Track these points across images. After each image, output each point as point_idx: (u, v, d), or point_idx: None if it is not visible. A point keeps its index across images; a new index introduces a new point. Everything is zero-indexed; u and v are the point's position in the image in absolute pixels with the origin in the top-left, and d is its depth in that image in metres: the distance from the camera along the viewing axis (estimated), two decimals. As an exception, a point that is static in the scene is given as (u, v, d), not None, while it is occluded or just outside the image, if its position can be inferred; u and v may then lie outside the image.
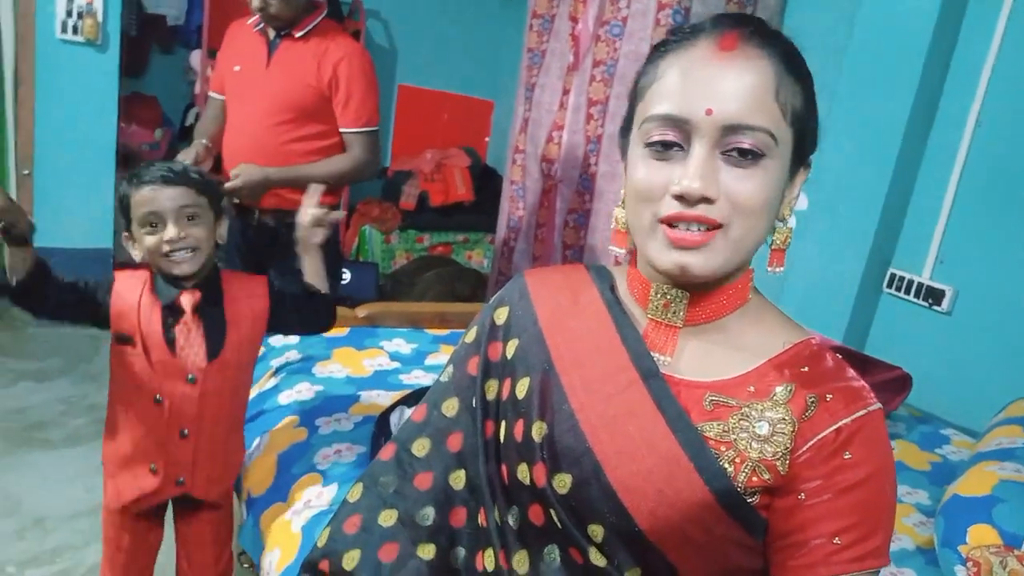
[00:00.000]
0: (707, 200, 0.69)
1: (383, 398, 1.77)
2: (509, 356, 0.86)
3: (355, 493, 0.90)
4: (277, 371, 1.88)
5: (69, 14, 3.12)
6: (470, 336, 0.93)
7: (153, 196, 1.29)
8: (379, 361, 1.99)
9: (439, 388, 0.93)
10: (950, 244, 2.33)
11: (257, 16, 2.11)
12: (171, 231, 1.29)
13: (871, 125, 2.39)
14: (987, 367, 2.18)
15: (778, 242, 0.77)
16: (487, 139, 4.82)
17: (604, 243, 2.93)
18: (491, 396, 0.87)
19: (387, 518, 0.87)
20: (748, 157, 0.69)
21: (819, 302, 2.54)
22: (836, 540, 0.68)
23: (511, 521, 0.83)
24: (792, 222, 0.78)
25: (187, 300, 1.33)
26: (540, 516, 0.80)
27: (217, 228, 1.40)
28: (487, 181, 4.42)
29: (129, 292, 1.35)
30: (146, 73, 4.13)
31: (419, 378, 1.92)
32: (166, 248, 1.29)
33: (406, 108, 4.55)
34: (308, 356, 1.94)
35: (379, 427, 1.57)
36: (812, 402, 0.71)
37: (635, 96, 0.77)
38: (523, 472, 0.80)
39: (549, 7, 3.10)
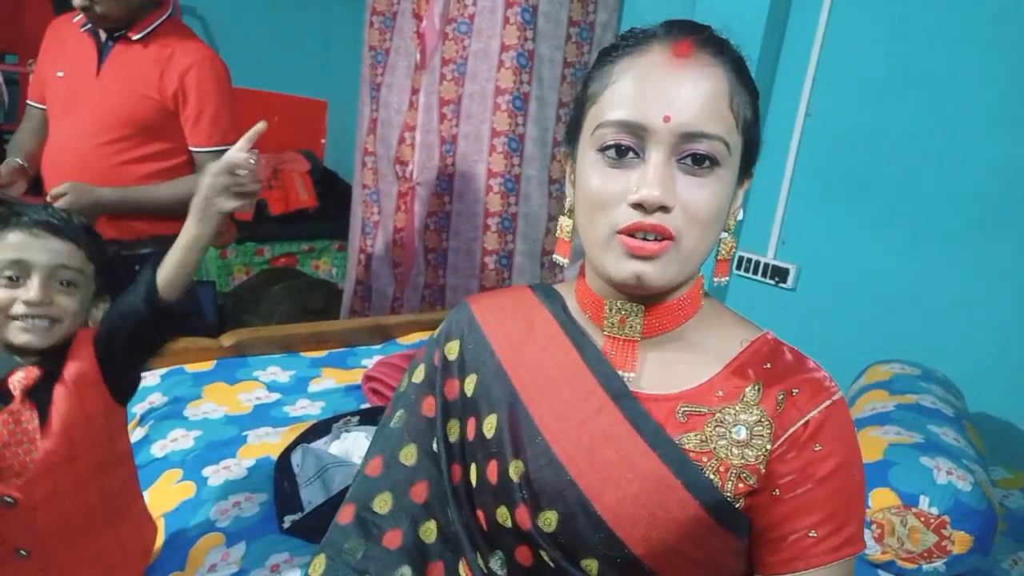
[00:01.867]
0: (664, 209, 0.68)
1: (273, 436, 1.62)
2: (469, 393, 0.81)
3: (318, 566, 0.81)
4: (143, 419, 1.67)
5: None
6: (418, 376, 0.87)
7: (24, 243, 1.03)
8: (257, 394, 1.83)
9: (392, 435, 0.86)
10: (790, 225, 2.53)
11: (83, 16, 1.81)
12: (34, 291, 1.03)
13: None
14: (834, 337, 2.39)
15: (723, 252, 0.78)
16: (323, 140, 4.61)
17: (468, 245, 2.89)
18: (454, 438, 0.82)
19: None
20: (704, 164, 0.69)
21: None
22: (812, 533, 0.70)
23: (496, 567, 0.78)
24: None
25: (18, 380, 1.04)
26: (528, 557, 0.76)
27: (92, 309, 1.13)
28: (329, 185, 4.22)
29: None
30: (-90, 80, 3.53)
31: (305, 408, 1.78)
32: (20, 310, 1.02)
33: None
34: (175, 397, 1.74)
35: (280, 471, 1.43)
36: (781, 399, 0.72)
37: (584, 101, 0.75)
38: (503, 515, 0.76)
39: (389, 4, 3.00)
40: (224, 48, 4.13)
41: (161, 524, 1.37)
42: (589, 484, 0.72)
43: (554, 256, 0.81)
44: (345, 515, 0.83)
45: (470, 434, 0.80)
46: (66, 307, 1.06)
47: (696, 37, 0.71)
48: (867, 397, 1.76)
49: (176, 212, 1.96)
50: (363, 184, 3.19)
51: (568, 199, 0.79)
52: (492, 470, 0.77)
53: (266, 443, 1.58)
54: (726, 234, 0.77)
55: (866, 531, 1.39)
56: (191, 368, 1.88)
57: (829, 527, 0.70)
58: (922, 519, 1.32)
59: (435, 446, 0.84)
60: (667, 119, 0.68)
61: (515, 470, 0.75)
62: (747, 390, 0.73)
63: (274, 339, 2.07)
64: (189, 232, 1.14)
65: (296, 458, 1.44)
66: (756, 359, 0.75)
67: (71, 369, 1.08)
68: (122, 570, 1.19)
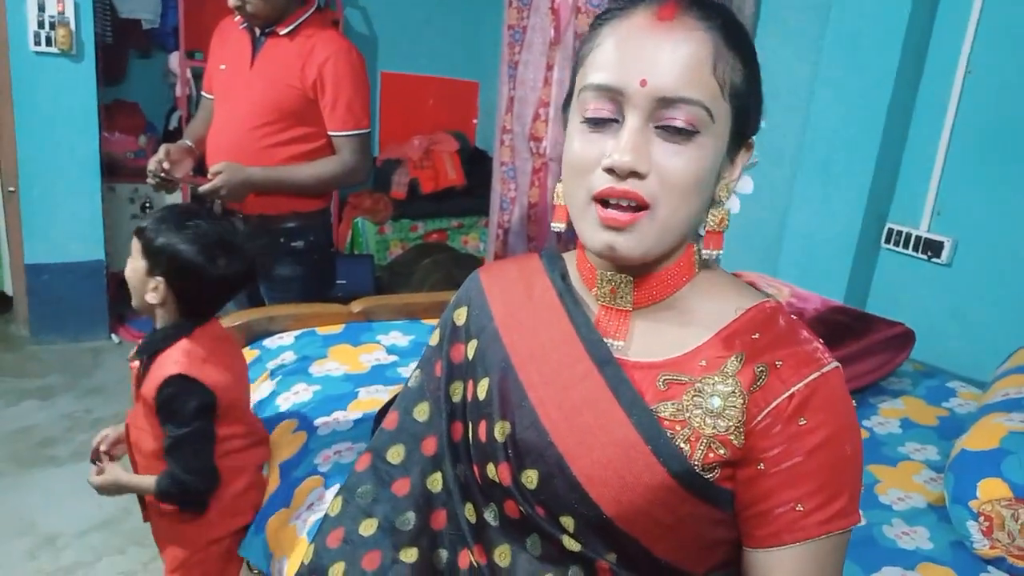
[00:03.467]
0: (637, 175, 0.67)
1: (382, 393, 1.75)
2: (470, 357, 0.86)
3: (335, 507, 0.91)
4: (272, 374, 1.86)
5: (41, 25, 3.07)
6: (434, 338, 0.93)
7: None
8: (376, 356, 1.97)
9: (409, 393, 0.93)
10: (946, 195, 2.30)
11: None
12: None
13: (859, 80, 2.36)
14: (989, 317, 2.16)
15: (713, 224, 0.75)
16: (475, 121, 4.78)
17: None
18: (456, 398, 0.88)
19: (368, 527, 0.87)
20: (683, 131, 0.68)
21: (818, 262, 2.52)
22: (798, 507, 0.68)
23: (490, 518, 0.84)
24: (735, 205, 0.76)
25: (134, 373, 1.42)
26: (515, 511, 0.80)
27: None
28: (477, 164, 4.38)
29: None
30: (125, 79, 4.09)
31: (418, 370, 1.90)
32: None
33: (390, 95, 4.50)
34: (304, 356, 1.92)
35: (378, 423, 1.55)
36: (761, 372, 0.70)
37: (576, 66, 0.76)
38: (491, 471, 0.81)
39: (526, -17, 3.05)
40: (382, 35, 4.41)
41: (276, 469, 1.54)
42: (567, 446, 0.74)
43: (552, 223, 0.82)
44: (362, 463, 0.91)
45: (469, 395, 0.85)
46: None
47: (681, 0, 0.70)
48: (1005, 382, 1.59)
49: (314, 190, 2.16)
50: (502, 161, 3.29)
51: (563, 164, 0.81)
52: (482, 429, 0.82)
53: (375, 399, 1.71)
54: (718, 204, 0.74)
55: (974, 523, 1.28)
56: (322, 331, 2.06)
57: (817, 500, 0.68)
58: (1036, 515, 1.19)
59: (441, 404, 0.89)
60: (644, 83, 0.67)
61: (501, 430, 0.79)
62: (729, 361, 0.72)
63: (398, 307, 2.21)
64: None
65: (393, 413, 1.55)
66: (747, 328, 0.73)
67: (145, 386, 1.36)
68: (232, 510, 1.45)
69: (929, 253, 2.32)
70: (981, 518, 1.25)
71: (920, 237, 2.33)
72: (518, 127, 3.15)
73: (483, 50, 4.51)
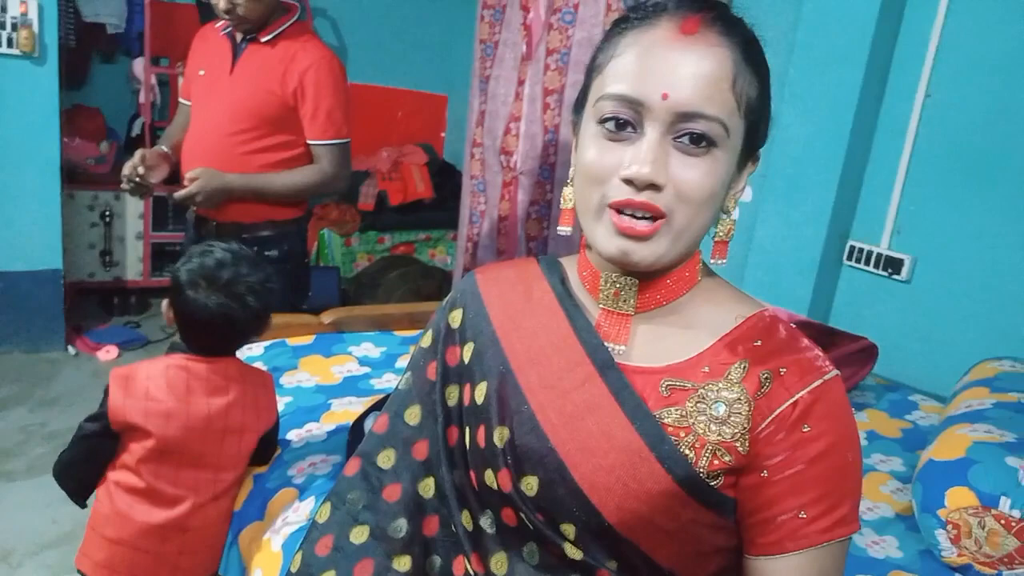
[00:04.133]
0: (655, 187, 0.68)
1: (355, 405, 1.73)
2: (466, 360, 0.85)
3: (324, 513, 0.89)
4: (244, 384, 1.83)
5: (2, 26, 2.99)
6: (426, 340, 0.92)
7: None
8: (348, 367, 1.95)
9: (399, 396, 0.91)
10: (906, 214, 2.37)
11: (225, 20, 2.02)
12: None
13: (824, 101, 2.42)
14: (949, 332, 2.23)
15: (721, 234, 0.77)
16: (443, 134, 4.78)
17: (568, 233, 2.92)
18: (452, 402, 0.87)
19: (359, 535, 0.85)
20: (701, 144, 0.69)
21: (782, 277, 2.57)
22: (801, 514, 0.69)
23: (486, 525, 0.82)
24: (736, 214, 0.78)
25: None
26: (512, 518, 0.79)
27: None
28: (446, 177, 4.38)
29: None
30: (87, 84, 4.00)
31: (390, 382, 1.89)
32: None
33: (359, 107, 4.45)
34: (274, 367, 1.89)
35: (353, 434, 1.53)
36: (766, 379, 0.71)
37: (591, 71, 0.76)
38: (489, 478, 0.80)
39: (498, -2, 3.07)
40: (352, 46, 4.39)
41: (250, 480, 1.51)
42: (568, 452, 0.74)
43: (558, 227, 0.83)
44: (351, 467, 0.89)
45: (466, 400, 0.84)
46: None
47: (705, 14, 0.70)
48: (966, 394, 1.64)
49: (291, 199, 2.14)
50: (471, 174, 3.29)
51: (572, 169, 0.81)
52: (480, 435, 0.80)
53: (348, 411, 1.69)
54: (725, 215, 0.76)
55: (942, 531, 1.31)
56: (292, 342, 2.03)
57: (819, 508, 0.68)
58: (1002, 522, 1.23)
59: (436, 408, 0.88)
60: (665, 96, 0.68)
61: (500, 436, 0.78)
62: (732, 368, 0.72)
63: (370, 318, 2.20)
64: None
65: (369, 423, 1.53)
66: (748, 336, 0.74)
67: None
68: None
69: (890, 270, 2.38)
70: (949, 526, 1.29)
71: (881, 254, 2.40)
72: (489, 141, 3.16)
73: (453, 64, 4.52)
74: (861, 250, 2.46)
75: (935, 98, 2.27)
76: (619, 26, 0.75)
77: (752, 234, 2.65)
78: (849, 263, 2.51)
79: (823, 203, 2.45)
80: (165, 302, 1.42)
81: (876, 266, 2.41)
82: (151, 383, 1.33)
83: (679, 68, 0.68)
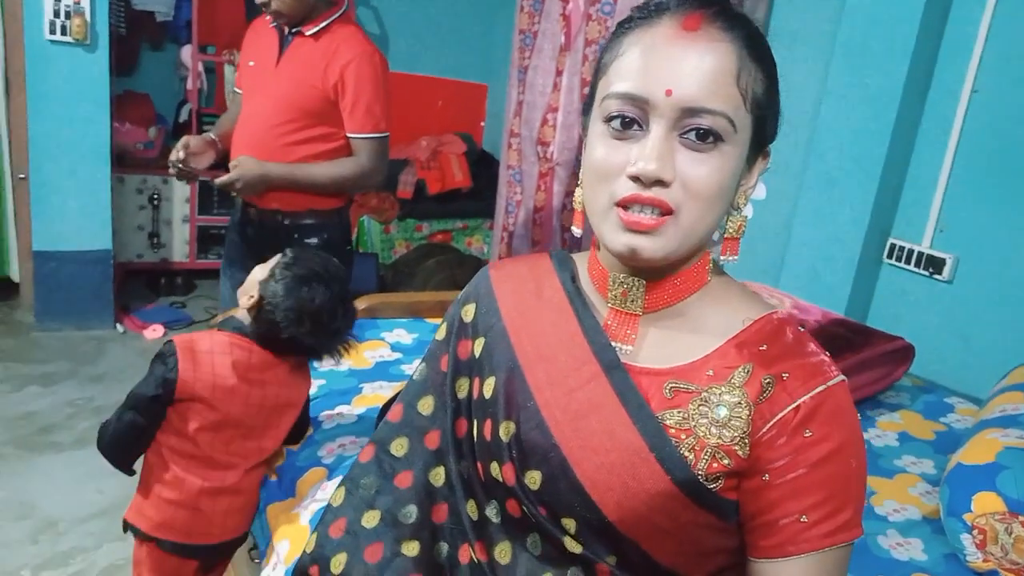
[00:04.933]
0: (662, 183, 0.69)
1: (385, 389, 1.77)
2: (477, 355, 0.86)
3: (338, 497, 0.92)
4: (279, 367, 1.88)
5: (56, 14, 3.09)
6: (440, 333, 0.94)
7: None
8: (380, 352, 1.99)
9: (414, 386, 0.93)
10: (949, 212, 2.32)
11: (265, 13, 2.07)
12: None
13: (867, 95, 2.38)
14: (989, 334, 2.18)
15: (731, 230, 0.77)
16: (482, 123, 4.80)
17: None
18: (462, 395, 0.88)
19: (371, 519, 0.88)
20: (707, 140, 0.69)
21: (820, 275, 2.54)
22: (803, 518, 0.69)
23: (492, 515, 0.84)
24: (749, 211, 0.78)
25: None
26: (517, 510, 0.81)
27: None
28: (484, 167, 4.40)
29: None
30: (137, 71, 4.12)
31: (421, 368, 1.92)
32: None
33: (399, 95, 4.47)
34: (310, 350, 1.94)
35: (381, 418, 1.57)
36: (768, 383, 0.71)
37: (597, 72, 0.77)
38: (495, 470, 0.82)
39: (539, -12, 3.07)
40: (393, 35, 4.43)
41: (283, 454, 1.56)
42: (571, 450, 0.75)
43: (572, 228, 0.84)
44: (366, 454, 0.92)
45: (475, 393, 0.86)
46: None
47: (706, 10, 0.71)
48: (1002, 398, 1.61)
49: (328, 190, 2.18)
50: (508, 164, 3.30)
51: (582, 171, 0.81)
52: (487, 428, 0.82)
53: (379, 395, 1.73)
54: (735, 212, 0.76)
55: (968, 536, 1.29)
56: (328, 326, 2.08)
57: (822, 512, 0.69)
58: (1030, 529, 1.21)
59: (447, 399, 0.90)
60: (669, 93, 0.68)
61: (506, 430, 0.80)
62: (736, 371, 0.72)
63: (403, 305, 2.24)
64: None
65: (397, 410, 1.57)
66: (755, 339, 0.74)
67: None
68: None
69: (931, 269, 2.34)
70: (975, 531, 1.27)
71: (922, 253, 2.35)
72: (526, 131, 3.17)
73: (493, 53, 4.53)
74: (902, 248, 2.41)
75: (982, 94, 2.21)
76: (623, 26, 0.76)
77: (791, 230, 2.62)
78: (889, 261, 2.47)
79: (864, 200, 2.41)
80: (255, 292, 1.41)
81: (917, 265, 2.37)
82: (216, 359, 1.39)
83: (682, 64, 0.69)
